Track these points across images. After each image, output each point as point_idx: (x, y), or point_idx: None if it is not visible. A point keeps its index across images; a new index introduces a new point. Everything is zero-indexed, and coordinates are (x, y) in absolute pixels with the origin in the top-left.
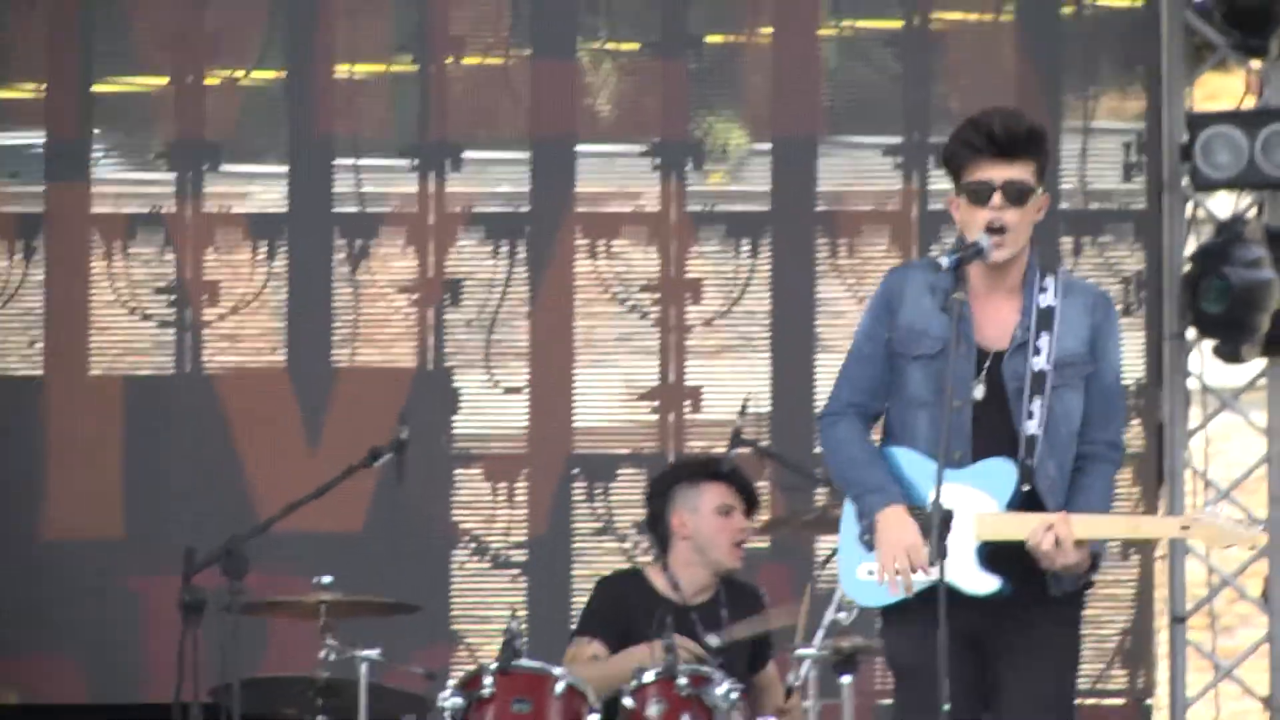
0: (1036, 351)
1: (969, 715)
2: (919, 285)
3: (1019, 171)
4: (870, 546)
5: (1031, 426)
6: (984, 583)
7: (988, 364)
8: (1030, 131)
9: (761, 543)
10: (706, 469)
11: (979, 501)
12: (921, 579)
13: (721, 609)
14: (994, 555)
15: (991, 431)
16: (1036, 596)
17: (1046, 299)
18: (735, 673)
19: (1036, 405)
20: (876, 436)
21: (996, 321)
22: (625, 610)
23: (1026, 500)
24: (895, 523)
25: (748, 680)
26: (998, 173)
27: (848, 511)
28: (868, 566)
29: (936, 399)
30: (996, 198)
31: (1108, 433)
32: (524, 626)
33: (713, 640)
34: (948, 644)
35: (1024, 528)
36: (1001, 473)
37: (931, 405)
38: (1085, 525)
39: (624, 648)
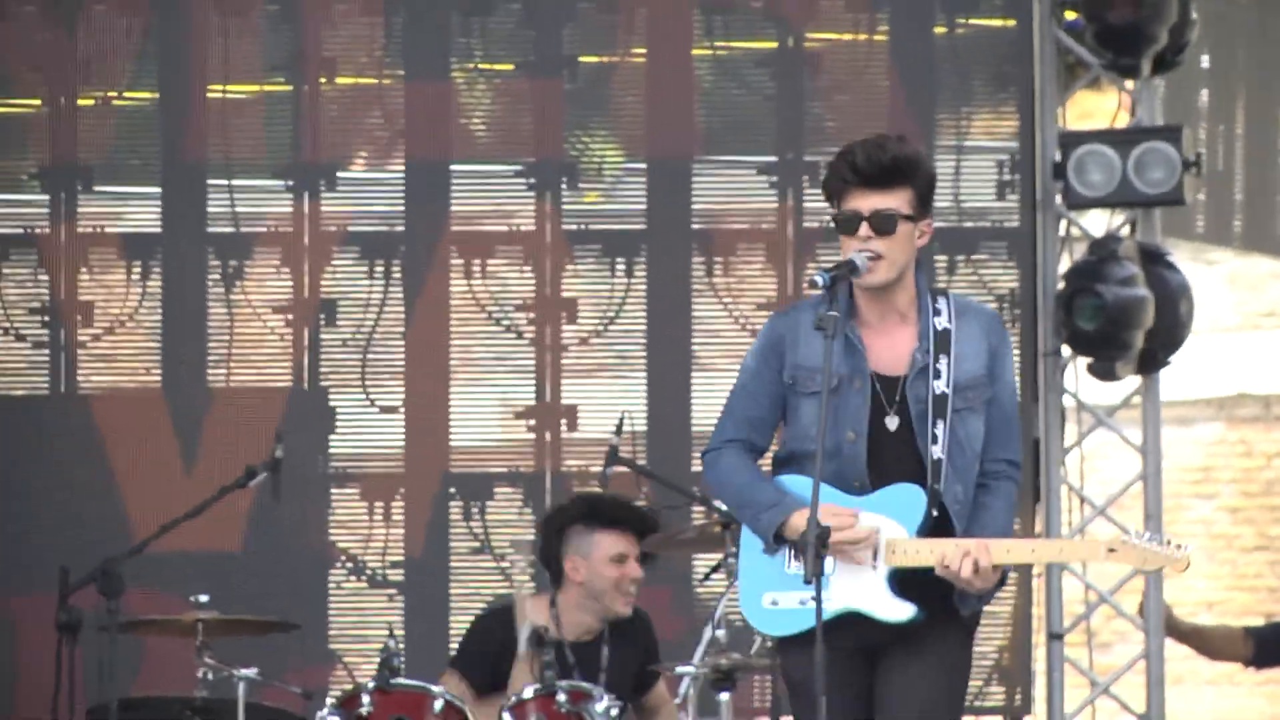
0: (937, 375)
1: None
2: (807, 325)
3: (887, 200)
4: (775, 552)
5: (936, 450)
6: (899, 609)
7: (897, 394)
8: (895, 160)
9: None
10: (603, 515)
11: (888, 528)
12: (825, 610)
13: (603, 646)
14: (905, 581)
15: (898, 457)
16: (939, 615)
17: (941, 321)
18: (620, 693)
19: (940, 429)
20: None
21: (893, 348)
22: (497, 650)
23: (935, 525)
24: (803, 517)
25: (635, 701)
26: (865, 202)
27: (746, 542)
28: (771, 596)
29: (835, 433)
30: (863, 228)
31: (1008, 451)
32: (401, 645)
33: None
34: (835, 657)
35: (936, 555)
36: (910, 498)
37: (826, 438)
38: (1005, 551)
39: (493, 688)
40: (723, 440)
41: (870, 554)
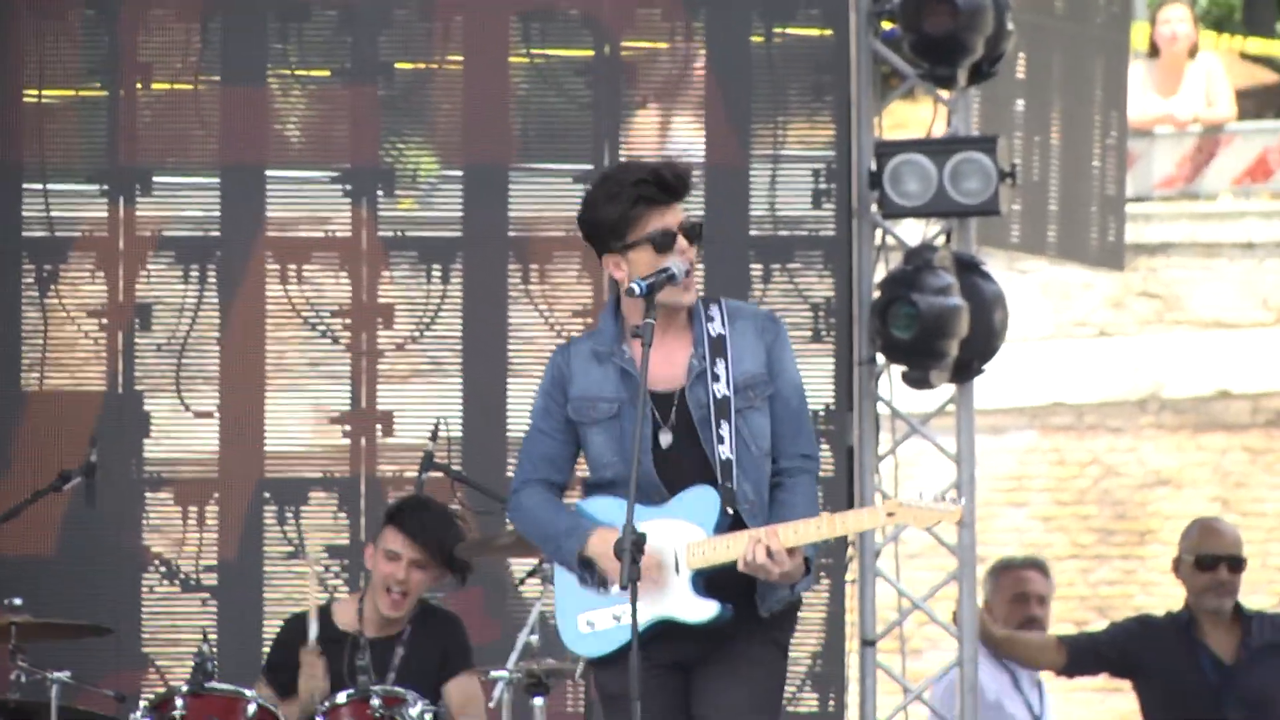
0: (715, 378)
1: None
2: (584, 357)
3: (679, 213)
4: (598, 586)
5: (724, 451)
6: (703, 609)
7: (674, 406)
8: (689, 171)
9: None
10: (398, 514)
11: (687, 532)
12: (638, 620)
13: (399, 646)
14: (710, 582)
15: (690, 465)
16: (746, 619)
17: (715, 328)
18: (423, 687)
19: (725, 429)
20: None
21: (670, 362)
22: (298, 651)
23: (734, 524)
24: (604, 542)
25: (437, 691)
26: (670, 217)
27: (560, 572)
28: (586, 618)
29: (622, 456)
30: (681, 240)
31: (799, 445)
32: (214, 650)
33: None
34: (650, 670)
35: (734, 549)
36: (704, 500)
37: (617, 464)
38: (792, 532)
39: (293, 688)
40: (521, 481)
41: (672, 563)
